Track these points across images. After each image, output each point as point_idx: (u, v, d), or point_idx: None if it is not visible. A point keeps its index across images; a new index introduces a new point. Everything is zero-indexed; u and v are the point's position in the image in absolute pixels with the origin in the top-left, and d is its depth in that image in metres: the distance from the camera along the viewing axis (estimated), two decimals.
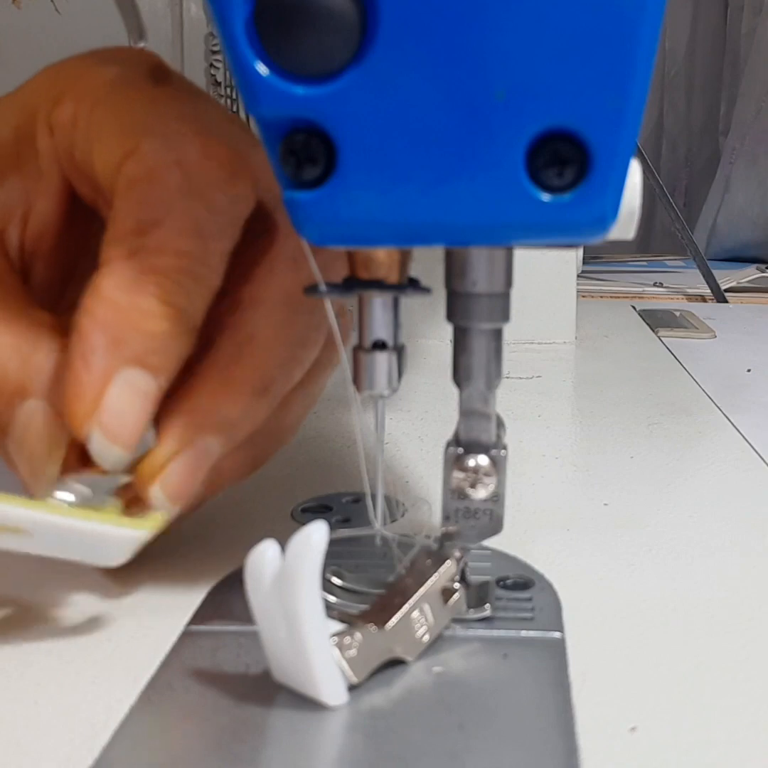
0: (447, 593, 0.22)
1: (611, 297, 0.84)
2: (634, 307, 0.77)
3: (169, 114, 0.26)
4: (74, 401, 0.23)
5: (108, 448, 0.23)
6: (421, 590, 0.21)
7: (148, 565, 0.27)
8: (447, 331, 0.22)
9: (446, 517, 0.23)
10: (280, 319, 0.25)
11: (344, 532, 0.29)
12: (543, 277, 0.58)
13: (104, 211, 0.27)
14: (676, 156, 1.45)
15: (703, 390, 0.49)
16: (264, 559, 0.19)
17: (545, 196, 0.19)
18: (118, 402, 0.23)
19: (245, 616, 0.23)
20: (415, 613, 0.21)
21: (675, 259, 1.10)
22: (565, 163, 0.18)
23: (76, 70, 0.27)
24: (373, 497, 0.23)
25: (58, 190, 0.27)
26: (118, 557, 0.22)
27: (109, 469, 0.23)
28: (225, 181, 0.25)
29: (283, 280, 0.26)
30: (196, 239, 0.24)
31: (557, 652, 0.22)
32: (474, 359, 0.22)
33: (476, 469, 0.22)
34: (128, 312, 0.23)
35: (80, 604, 0.24)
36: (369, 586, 0.24)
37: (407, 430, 0.40)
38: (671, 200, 0.84)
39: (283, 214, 0.28)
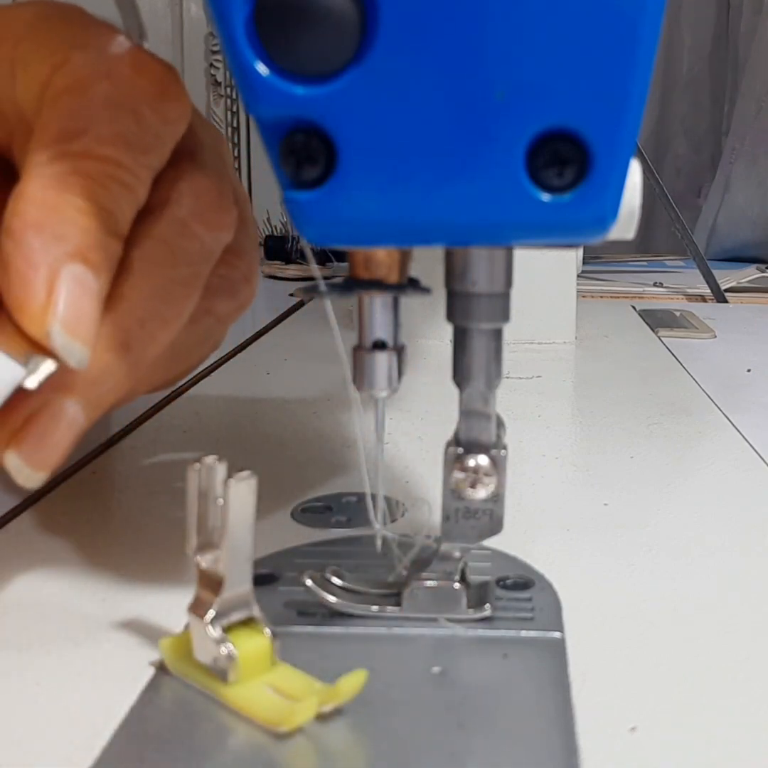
0: None
1: (611, 297, 0.84)
2: (634, 307, 0.77)
3: (101, 31, 0.25)
4: (27, 300, 0.21)
5: (71, 342, 0.22)
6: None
7: (149, 565, 0.27)
8: (447, 331, 0.22)
9: (446, 517, 0.23)
10: (142, 271, 0.24)
11: (344, 532, 0.29)
12: (543, 277, 0.58)
13: (18, 150, 0.26)
14: (701, 157, 1.45)
15: (703, 390, 0.49)
16: None
17: (545, 196, 0.19)
18: (71, 296, 0.22)
19: None
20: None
21: (675, 259, 1.10)
22: (565, 163, 0.18)
23: None
24: (373, 497, 0.23)
25: None
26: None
27: (76, 365, 0.22)
28: (156, 98, 0.24)
29: (161, 227, 0.25)
30: (123, 149, 0.23)
31: (557, 652, 0.22)
32: (474, 359, 0.22)
33: (476, 469, 0.22)
34: (61, 209, 0.22)
35: (80, 605, 0.24)
36: (369, 586, 0.24)
37: (407, 430, 0.40)
38: (671, 200, 0.84)
39: (203, 147, 0.27)
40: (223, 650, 0.20)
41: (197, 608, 0.20)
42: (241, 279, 0.30)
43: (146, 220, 0.25)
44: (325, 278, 0.22)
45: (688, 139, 1.44)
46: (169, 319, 0.25)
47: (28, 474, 0.23)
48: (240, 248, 0.29)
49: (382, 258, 0.22)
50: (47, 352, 0.22)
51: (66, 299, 0.22)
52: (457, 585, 0.23)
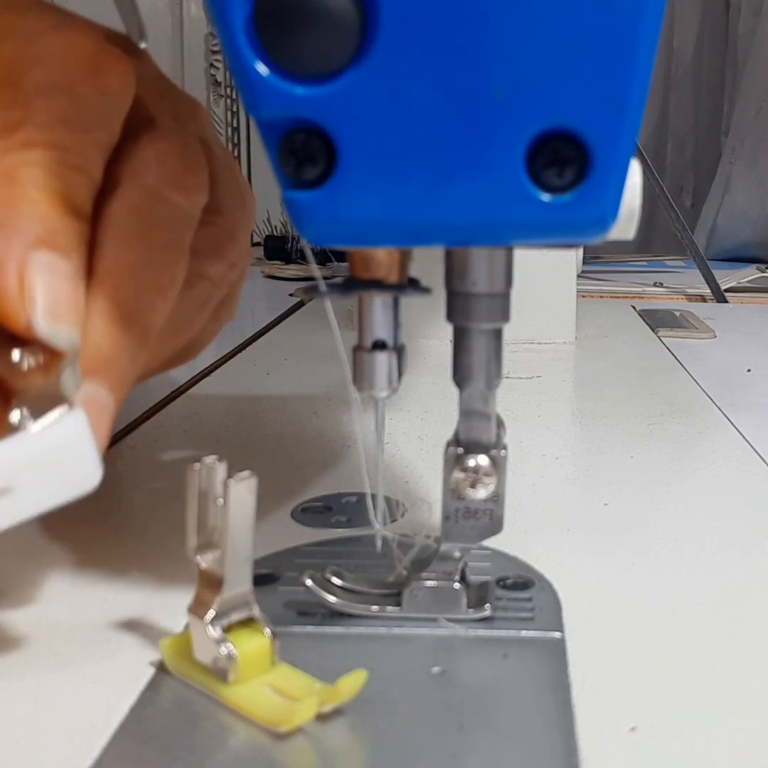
0: None
1: (611, 297, 0.84)
2: (634, 307, 0.77)
3: (28, 14, 0.25)
4: (2, 298, 0.21)
5: (54, 326, 0.22)
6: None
7: (149, 565, 0.27)
8: (447, 331, 0.22)
9: (446, 517, 0.23)
10: (124, 243, 0.24)
11: (344, 532, 0.29)
12: (543, 277, 0.58)
13: None
14: (683, 156, 1.45)
15: (703, 390, 0.49)
16: None
17: (545, 196, 0.19)
18: (44, 282, 0.22)
19: None
20: None
21: (675, 259, 1.10)
22: (565, 163, 0.18)
23: None
24: (373, 497, 0.23)
25: None
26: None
27: (68, 348, 0.22)
28: (90, 73, 0.24)
29: (132, 197, 0.25)
30: (63, 131, 0.23)
31: (557, 652, 0.22)
32: (474, 359, 0.22)
33: (476, 469, 0.22)
34: (15, 203, 0.22)
35: (81, 605, 0.24)
36: (369, 586, 0.24)
37: (407, 430, 0.40)
38: (671, 200, 0.84)
39: (162, 114, 0.27)
40: (223, 650, 0.20)
41: (197, 608, 0.20)
42: (225, 236, 0.30)
43: (116, 194, 0.25)
44: (325, 278, 0.22)
45: (672, 138, 1.45)
46: (163, 286, 0.25)
47: None
48: (218, 206, 0.29)
49: (382, 258, 0.22)
50: (38, 343, 0.22)
51: (39, 287, 0.22)
52: (457, 585, 0.23)
